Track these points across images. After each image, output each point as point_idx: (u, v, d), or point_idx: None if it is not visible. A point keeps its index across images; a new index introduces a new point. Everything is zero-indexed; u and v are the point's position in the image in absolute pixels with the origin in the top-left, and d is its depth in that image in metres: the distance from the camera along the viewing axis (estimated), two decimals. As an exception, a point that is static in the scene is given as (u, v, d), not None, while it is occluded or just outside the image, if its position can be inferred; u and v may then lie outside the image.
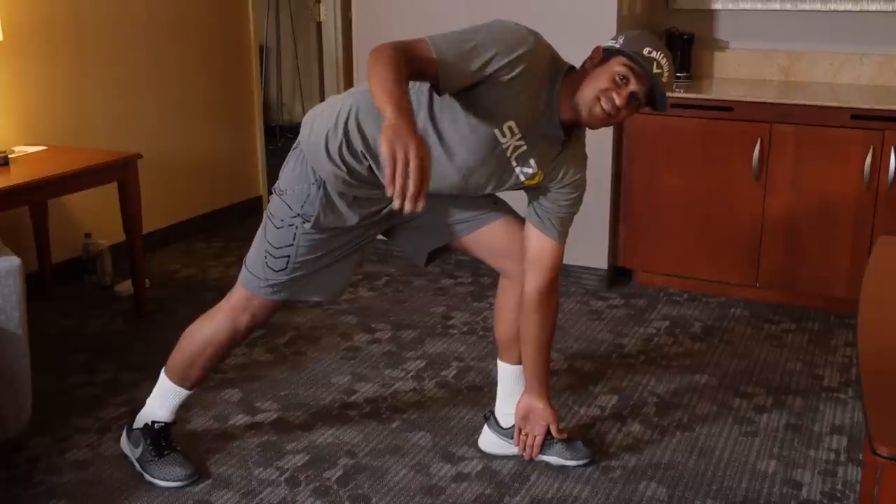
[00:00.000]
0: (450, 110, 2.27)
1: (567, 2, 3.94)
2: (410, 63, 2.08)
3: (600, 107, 2.26)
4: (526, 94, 2.26)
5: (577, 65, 2.37)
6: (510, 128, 2.29)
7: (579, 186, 2.49)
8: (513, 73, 2.21)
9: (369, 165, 2.36)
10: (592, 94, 2.26)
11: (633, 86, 2.25)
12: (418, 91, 2.28)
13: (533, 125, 2.31)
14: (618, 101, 2.24)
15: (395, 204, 1.86)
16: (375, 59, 2.04)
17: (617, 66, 2.25)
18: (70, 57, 4.19)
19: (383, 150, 1.87)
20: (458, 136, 2.29)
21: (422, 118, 2.27)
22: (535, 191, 2.48)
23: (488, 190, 2.44)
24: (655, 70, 2.24)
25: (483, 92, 2.23)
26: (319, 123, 2.40)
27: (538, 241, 2.50)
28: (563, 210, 2.48)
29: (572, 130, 2.39)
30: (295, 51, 7.37)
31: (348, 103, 2.36)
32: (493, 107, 2.25)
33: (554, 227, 2.48)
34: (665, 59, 2.25)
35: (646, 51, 2.24)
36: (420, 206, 1.87)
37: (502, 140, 2.30)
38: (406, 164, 1.85)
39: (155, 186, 4.51)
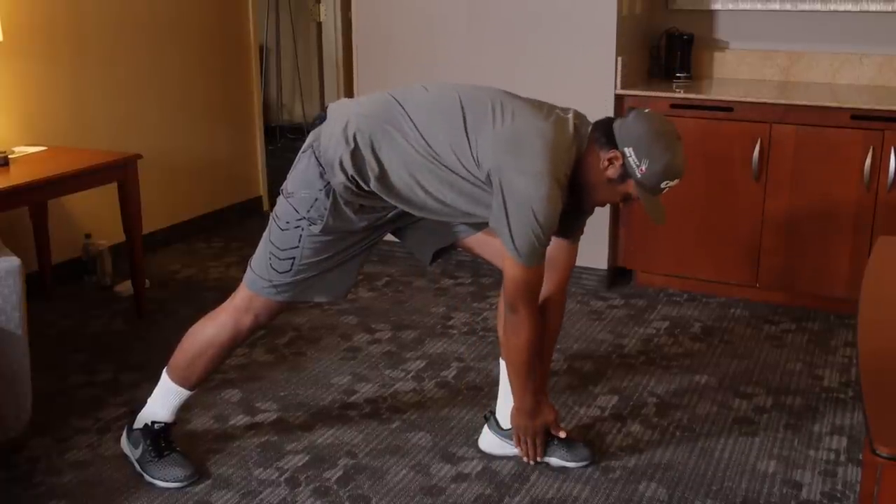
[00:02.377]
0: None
1: (566, 2, 3.94)
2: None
3: (603, 204, 2.50)
4: None
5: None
6: None
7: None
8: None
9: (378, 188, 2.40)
10: (602, 201, 2.45)
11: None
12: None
13: None
14: (620, 206, 2.44)
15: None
16: (519, 361, 2.53)
17: (631, 191, 2.35)
18: (70, 57, 4.19)
19: (514, 431, 2.70)
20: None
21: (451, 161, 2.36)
22: None
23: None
24: (664, 191, 2.34)
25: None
26: (334, 138, 2.39)
27: (553, 243, 2.50)
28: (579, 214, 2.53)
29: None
30: (295, 51, 7.37)
31: (366, 130, 2.37)
32: None
33: (569, 227, 2.51)
34: (677, 181, 2.33)
35: (663, 184, 2.30)
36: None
37: None
38: (532, 443, 2.69)
39: (155, 186, 4.51)
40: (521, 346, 2.49)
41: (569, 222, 2.46)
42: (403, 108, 2.39)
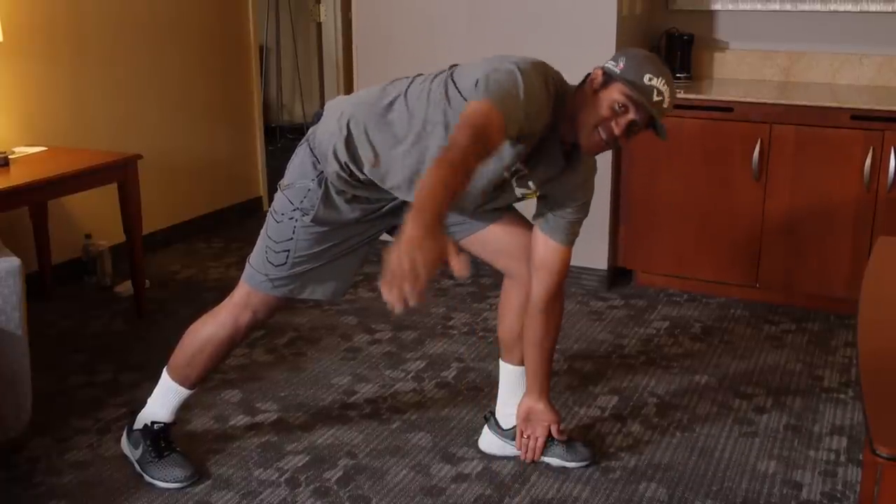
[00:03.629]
0: None
1: (566, 2, 3.94)
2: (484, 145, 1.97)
3: (598, 136, 2.27)
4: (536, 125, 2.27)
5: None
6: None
7: (588, 192, 2.51)
8: (535, 120, 2.22)
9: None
10: (591, 122, 2.26)
11: (631, 114, 2.24)
12: (436, 102, 2.27)
13: (536, 151, 2.33)
14: (616, 131, 2.25)
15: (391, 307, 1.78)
16: (453, 158, 1.88)
17: (616, 94, 2.24)
18: (70, 57, 4.19)
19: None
20: None
21: (439, 133, 2.27)
22: (543, 198, 2.49)
23: (485, 206, 2.48)
24: (656, 98, 2.22)
25: None
26: (329, 128, 2.40)
27: (545, 246, 2.50)
28: (572, 215, 2.49)
29: (573, 152, 2.39)
30: (295, 51, 7.37)
31: (360, 119, 2.35)
32: None
33: (562, 231, 2.49)
34: (665, 85, 2.24)
35: (646, 78, 2.22)
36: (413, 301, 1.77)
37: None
38: (409, 275, 1.80)
39: (155, 187, 4.51)
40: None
41: (563, 186, 2.42)
42: (394, 92, 2.38)
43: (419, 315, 3.91)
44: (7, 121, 3.93)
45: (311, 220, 2.45)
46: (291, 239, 2.48)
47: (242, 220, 5.29)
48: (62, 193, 3.76)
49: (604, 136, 2.26)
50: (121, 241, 3.98)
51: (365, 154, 2.35)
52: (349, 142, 2.35)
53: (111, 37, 4.39)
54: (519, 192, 2.43)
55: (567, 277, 2.60)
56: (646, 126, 2.29)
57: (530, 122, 2.16)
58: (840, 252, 3.79)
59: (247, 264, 2.60)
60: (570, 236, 2.52)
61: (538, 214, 2.51)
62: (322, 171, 2.41)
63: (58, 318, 3.88)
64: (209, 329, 2.62)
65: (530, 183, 2.40)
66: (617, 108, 2.24)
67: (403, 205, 2.52)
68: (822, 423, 3.03)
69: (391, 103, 2.34)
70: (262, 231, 2.56)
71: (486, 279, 4.24)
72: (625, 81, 2.23)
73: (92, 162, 3.63)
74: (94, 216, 4.30)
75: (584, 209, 2.52)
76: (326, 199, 2.43)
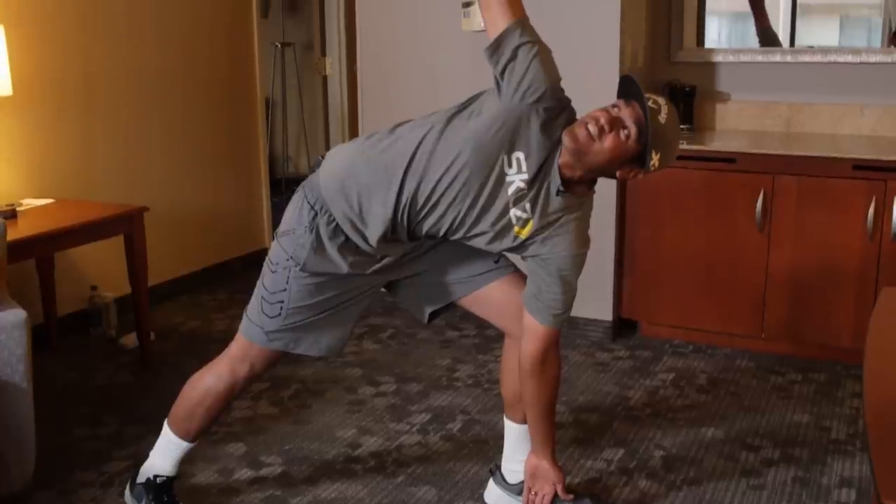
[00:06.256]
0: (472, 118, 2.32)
1: (569, 57, 3.97)
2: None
3: (584, 127, 2.23)
4: (546, 134, 2.28)
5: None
6: (518, 160, 2.30)
7: (575, 266, 2.43)
8: (549, 112, 2.27)
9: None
10: (581, 121, 2.26)
11: (622, 112, 2.25)
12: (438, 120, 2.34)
13: (539, 170, 2.31)
14: (601, 120, 2.21)
15: None
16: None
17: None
18: (79, 110, 4.24)
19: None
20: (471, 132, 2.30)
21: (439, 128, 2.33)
22: (533, 262, 2.44)
23: (479, 226, 2.38)
24: (651, 105, 2.21)
25: (516, 110, 2.26)
26: (326, 173, 2.43)
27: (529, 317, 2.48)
28: (555, 296, 2.41)
29: (570, 189, 2.36)
30: (300, 104, 7.44)
31: (362, 184, 2.37)
32: (511, 133, 2.27)
33: (546, 308, 2.43)
34: (665, 104, 2.25)
35: (645, 94, 2.24)
36: None
37: (508, 170, 2.31)
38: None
39: (161, 239, 4.53)
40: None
41: (554, 239, 2.40)
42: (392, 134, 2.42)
43: (424, 367, 3.90)
44: (16, 173, 3.96)
45: (301, 269, 2.44)
46: (285, 290, 2.48)
47: (247, 271, 5.30)
48: (69, 245, 3.78)
49: (591, 128, 2.22)
50: (126, 292, 3.99)
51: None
52: (345, 195, 2.40)
53: (119, 90, 4.44)
54: (513, 215, 2.35)
55: (572, 329, 2.59)
56: (637, 139, 2.23)
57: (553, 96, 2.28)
58: (845, 302, 3.78)
59: (244, 316, 2.59)
60: (556, 318, 2.44)
61: (527, 288, 2.47)
62: (315, 218, 2.41)
63: (63, 369, 3.88)
64: (207, 381, 2.61)
65: (527, 205, 2.33)
66: (610, 107, 2.27)
67: (398, 261, 2.53)
68: (831, 475, 3.00)
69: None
70: (259, 282, 2.57)
71: (491, 331, 4.23)
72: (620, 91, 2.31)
73: (99, 214, 3.66)
74: (99, 268, 4.32)
75: (567, 287, 2.42)
76: (317, 246, 2.43)
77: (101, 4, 4.31)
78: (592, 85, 3.95)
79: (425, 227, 2.39)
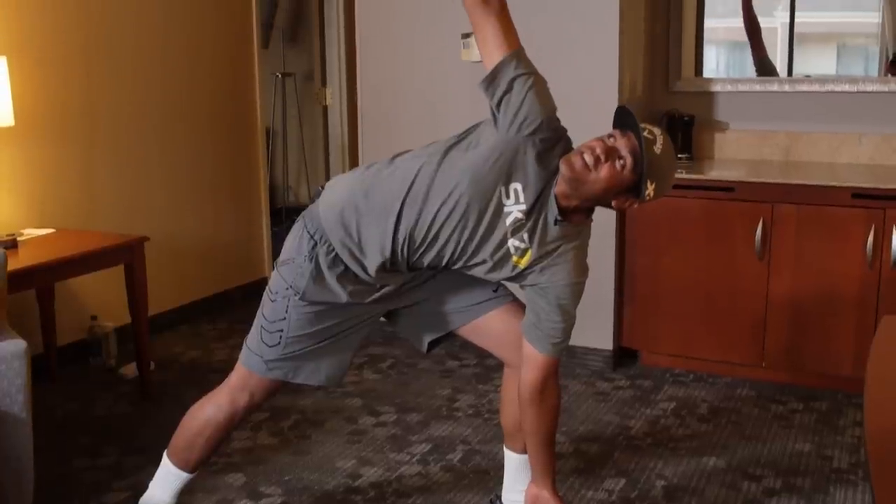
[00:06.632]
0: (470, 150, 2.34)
1: (568, 88, 4.00)
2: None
3: (581, 159, 2.23)
4: (543, 165, 2.29)
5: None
6: (515, 191, 2.30)
7: (573, 296, 2.42)
8: (545, 143, 2.29)
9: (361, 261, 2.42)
10: (577, 151, 2.28)
11: (618, 143, 2.25)
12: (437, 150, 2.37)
13: (536, 200, 2.32)
14: (597, 150, 2.22)
15: None
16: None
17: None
18: (79, 140, 4.26)
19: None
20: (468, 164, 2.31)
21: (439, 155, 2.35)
22: (532, 291, 2.44)
23: (479, 256, 2.38)
24: (646, 135, 2.22)
25: (512, 142, 2.28)
26: (325, 203, 2.44)
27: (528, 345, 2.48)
28: (554, 325, 2.41)
29: (568, 218, 2.36)
30: (301, 134, 7.47)
31: (361, 213, 2.39)
32: (508, 164, 2.28)
33: (545, 336, 2.42)
34: (661, 134, 2.26)
35: (641, 124, 2.25)
36: None
37: (505, 201, 2.31)
38: None
39: (162, 268, 4.53)
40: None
41: (551, 269, 2.41)
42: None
43: (424, 397, 3.89)
44: (17, 202, 3.97)
45: (300, 298, 2.44)
46: (285, 318, 2.48)
47: (248, 301, 5.29)
48: (69, 275, 3.78)
49: (587, 157, 2.22)
50: (126, 322, 3.99)
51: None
52: (343, 223, 2.41)
53: (120, 121, 4.46)
54: (511, 245, 2.35)
55: (572, 358, 2.59)
56: (632, 169, 2.23)
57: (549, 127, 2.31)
58: (845, 330, 3.78)
59: (244, 346, 2.59)
60: (555, 346, 2.44)
61: (526, 317, 2.47)
62: (314, 247, 2.42)
63: (62, 399, 3.87)
64: (207, 412, 2.60)
65: (525, 236, 2.34)
66: (605, 137, 2.28)
67: (397, 290, 2.52)
68: (833, 504, 2.99)
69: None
70: (259, 311, 2.57)
71: (491, 360, 4.22)
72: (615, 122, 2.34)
73: (99, 244, 3.67)
74: (99, 297, 4.32)
75: (566, 316, 2.42)
76: (317, 275, 2.43)
77: (103, 35, 4.35)
78: (592, 115, 3.97)
79: (426, 259, 2.39)
